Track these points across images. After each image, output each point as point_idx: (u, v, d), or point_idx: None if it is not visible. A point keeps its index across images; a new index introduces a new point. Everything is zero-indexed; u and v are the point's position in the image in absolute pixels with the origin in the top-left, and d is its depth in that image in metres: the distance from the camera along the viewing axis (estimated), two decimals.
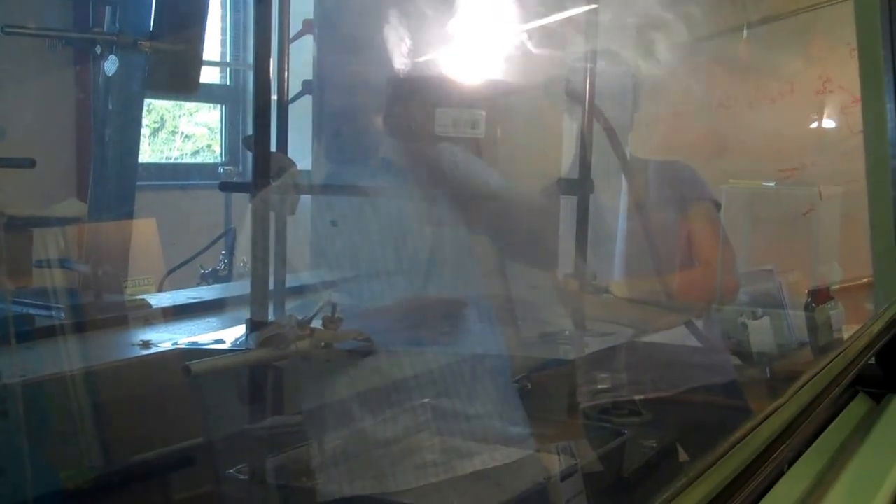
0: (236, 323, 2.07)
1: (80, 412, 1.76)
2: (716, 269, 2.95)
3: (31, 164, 2.05)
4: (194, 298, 2.55)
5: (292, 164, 2.14)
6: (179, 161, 4.46)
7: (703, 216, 3.03)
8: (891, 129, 2.64)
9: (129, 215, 2.61)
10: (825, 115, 4.23)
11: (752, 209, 3.88)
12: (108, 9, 2.35)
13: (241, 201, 1.98)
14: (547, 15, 2.53)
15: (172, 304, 2.47)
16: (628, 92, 2.99)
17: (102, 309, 2.26)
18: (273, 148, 2.02)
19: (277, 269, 2.12)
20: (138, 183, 2.68)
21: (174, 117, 4.38)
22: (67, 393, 1.77)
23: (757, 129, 4.09)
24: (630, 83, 3.01)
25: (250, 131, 1.80)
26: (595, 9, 2.54)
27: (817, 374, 2.02)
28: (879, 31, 2.70)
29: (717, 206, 3.10)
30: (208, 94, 4.27)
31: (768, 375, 2.80)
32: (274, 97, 2.17)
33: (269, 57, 1.82)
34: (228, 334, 2.09)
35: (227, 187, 2.86)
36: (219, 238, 2.92)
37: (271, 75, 1.97)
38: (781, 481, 1.80)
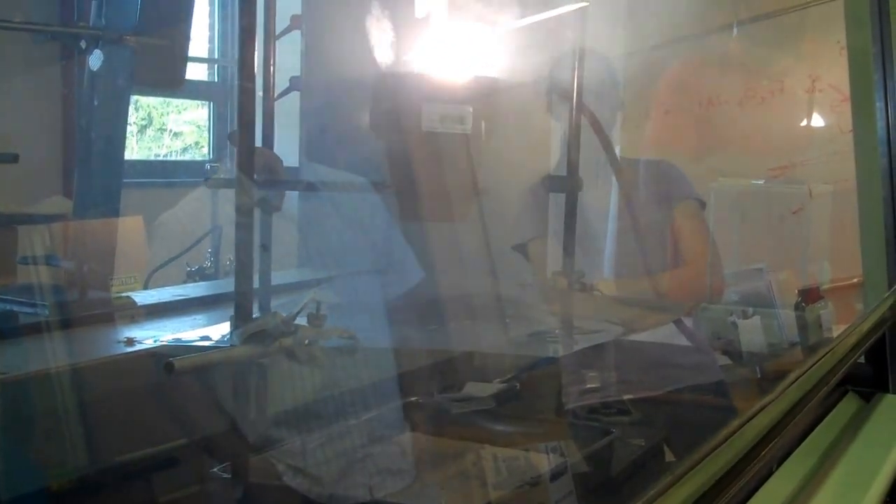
0: (222, 320, 2.05)
1: (61, 410, 1.74)
2: (703, 267, 2.95)
3: (13, 158, 2.04)
4: (180, 296, 2.53)
5: (278, 159, 2.13)
6: (167, 159, 4.44)
7: (688, 215, 3.03)
8: (880, 128, 2.64)
9: (115, 213, 2.59)
10: (815, 114, 4.23)
11: (741, 207, 3.88)
12: (93, 3, 2.33)
13: (229, 199, 1.97)
14: (535, 12, 2.52)
15: (158, 301, 2.46)
16: (612, 91, 2.99)
17: (87, 306, 2.24)
18: (259, 144, 2.01)
19: (263, 265, 2.11)
20: (125, 180, 2.66)
21: (162, 115, 4.36)
22: (49, 390, 1.76)
23: (747, 128, 4.09)
24: (613, 82, 3.01)
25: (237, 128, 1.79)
26: (584, 7, 2.54)
27: (806, 372, 2.01)
28: (869, 29, 2.70)
29: (702, 204, 3.10)
30: (196, 91, 4.25)
31: (758, 375, 2.79)
32: (260, 93, 2.15)
33: (254, 51, 1.80)
34: (213, 331, 2.07)
35: (211, 183, 2.84)
36: (205, 236, 2.90)
37: (256, 70, 1.95)
38: (771, 479, 1.79)
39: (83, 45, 2.21)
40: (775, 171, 4.09)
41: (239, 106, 1.74)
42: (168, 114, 4.39)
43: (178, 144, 4.43)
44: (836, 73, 3.89)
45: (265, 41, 2.17)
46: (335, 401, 2.02)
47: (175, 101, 4.36)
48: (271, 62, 2.21)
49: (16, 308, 2.13)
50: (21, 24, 2.09)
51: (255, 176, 1.80)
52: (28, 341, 1.99)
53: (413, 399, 2.24)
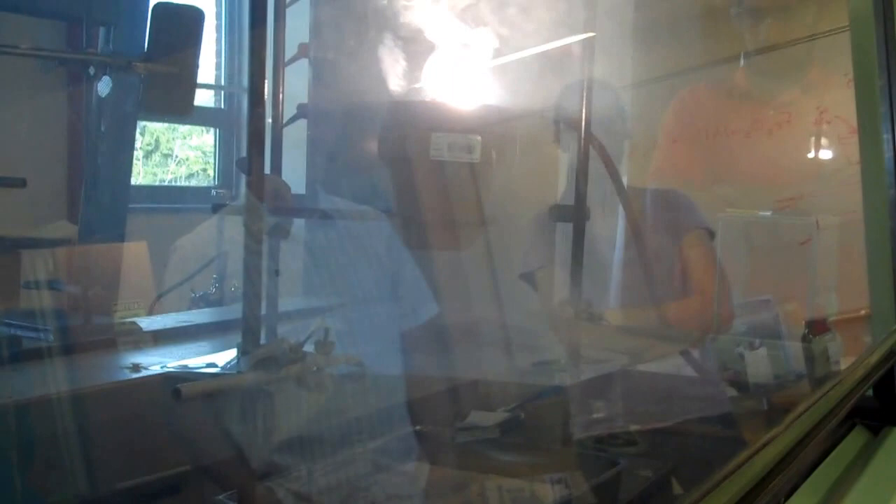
0: (228, 347, 2.05)
1: (67, 436, 1.74)
2: (711, 298, 2.94)
3: (22, 183, 2.04)
4: (185, 322, 2.52)
5: (286, 187, 2.13)
6: (173, 184, 4.44)
7: (697, 244, 3.02)
8: (888, 160, 2.63)
9: (120, 238, 2.59)
10: (822, 146, 4.22)
11: (748, 239, 3.87)
12: (102, 30, 2.34)
13: (234, 226, 1.96)
14: (543, 42, 2.52)
15: (163, 327, 2.45)
16: (618, 120, 2.99)
17: (92, 331, 2.24)
18: (267, 171, 2.01)
19: (270, 292, 2.10)
20: (130, 206, 2.66)
21: (168, 140, 4.36)
22: (55, 416, 1.75)
23: (754, 158, 4.08)
24: (620, 111, 3.01)
25: (244, 154, 1.79)
26: (592, 37, 2.54)
27: (814, 405, 2.00)
28: (876, 61, 2.70)
29: (711, 234, 3.09)
30: (202, 117, 4.25)
31: (765, 407, 2.78)
32: (269, 120, 2.15)
33: (264, 79, 1.80)
34: (219, 358, 2.06)
35: (219, 210, 2.84)
36: (210, 262, 2.90)
37: (266, 98, 1.96)
38: None
39: (92, 71, 2.21)
40: (783, 202, 4.08)
41: (249, 133, 1.74)
42: (174, 139, 4.40)
43: (183, 170, 4.44)
44: (843, 104, 3.89)
45: (274, 69, 2.17)
46: (341, 428, 2.01)
47: (181, 127, 4.36)
48: (280, 90, 2.21)
49: (20, 333, 2.13)
50: (32, 49, 2.09)
51: (264, 203, 1.80)
52: (33, 366, 1.99)
53: (418, 428, 2.23)
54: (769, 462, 1.71)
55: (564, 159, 2.95)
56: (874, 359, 2.34)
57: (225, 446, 1.84)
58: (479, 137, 2.13)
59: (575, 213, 2.47)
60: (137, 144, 3.42)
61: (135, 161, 3.26)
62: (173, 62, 2.16)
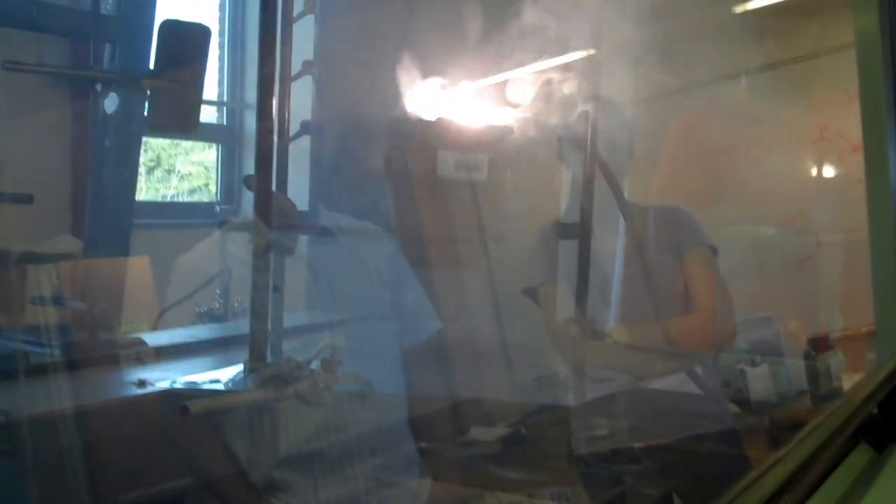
0: (233, 363, 2.05)
1: (73, 451, 1.74)
2: (714, 315, 2.93)
3: (29, 199, 2.04)
4: (190, 337, 2.52)
5: (292, 204, 2.13)
6: (175, 200, 4.44)
7: (699, 262, 3.02)
8: (893, 179, 2.63)
9: (125, 253, 2.59)
10: (823, 163, 4.23)
11: (750, 256, 3.87)
12: (108, 47, 2.34)
13: (238, 241, 1.97)
14: (547, 60, 2.53)
15: (168, 342, 2.44)
16: (624, 138, 2.99)
17: (97, 347, 2.23)
18: (273, 188, 2.01)
19: (274, 307, 2.10)
20: (133, 221, 2.66)
21: (170, 156, 4.36)
22: (61, 431, 1.75)
23: (754, 176, 4.10)
24: (625, 129, 3.01)
25: (247, 170, 1.79)
26: (596, 55, 2.55)
27: (820, 423, 2.00)
28: (882, 79, 2.70)
29: (714, 251, 3.09)
30: (204, 133, 4.24)
31: (767, 424, 2.78)
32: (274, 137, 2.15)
33: (272, 97, 1.81)
34: (225, 374, 2.06)
35: (228, 227, 2.83)
36: (214, 277, 2.90)
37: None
38: None
39: (98, 88, 2.22)
40: (784, 218, 4.09)
41: (256, 151, 1.75)
42: (176, 155, 4.40)
43: (185, 186, 4.43)
44: (843, 122, 3.90)
45: (280, 86, 2.18)
46: (344, 445, 2.02)
47: (183, 143, 4.36)
48: (286, 108, 2.22)
49: (26, 348, 2.12)
50: (38, 66, 2.10)
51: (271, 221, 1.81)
52: (40, 381, 1.99)
53: (419, 444, 2.23)
54: (777, 481, 1.71)
55: (567, 176, 2.95)
56: (880, 376, 2.34)
57: (231, 462, 1.84)
58: (484, 156, 2.14)
59: (581, 232, 2.47)
60: (140, 160, 3.42)
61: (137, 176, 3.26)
62: (179, 79, 2.16)
